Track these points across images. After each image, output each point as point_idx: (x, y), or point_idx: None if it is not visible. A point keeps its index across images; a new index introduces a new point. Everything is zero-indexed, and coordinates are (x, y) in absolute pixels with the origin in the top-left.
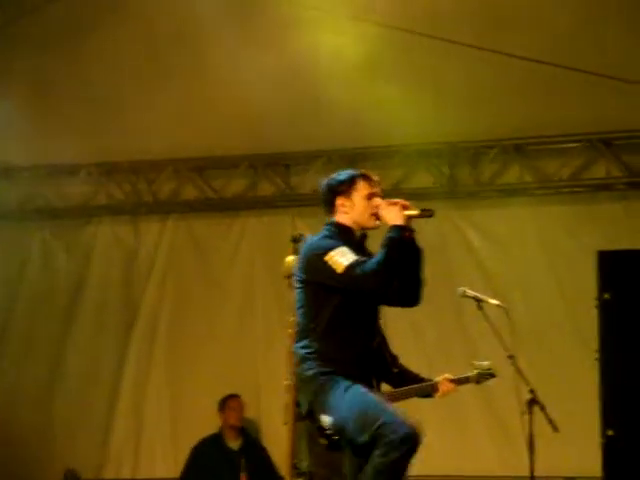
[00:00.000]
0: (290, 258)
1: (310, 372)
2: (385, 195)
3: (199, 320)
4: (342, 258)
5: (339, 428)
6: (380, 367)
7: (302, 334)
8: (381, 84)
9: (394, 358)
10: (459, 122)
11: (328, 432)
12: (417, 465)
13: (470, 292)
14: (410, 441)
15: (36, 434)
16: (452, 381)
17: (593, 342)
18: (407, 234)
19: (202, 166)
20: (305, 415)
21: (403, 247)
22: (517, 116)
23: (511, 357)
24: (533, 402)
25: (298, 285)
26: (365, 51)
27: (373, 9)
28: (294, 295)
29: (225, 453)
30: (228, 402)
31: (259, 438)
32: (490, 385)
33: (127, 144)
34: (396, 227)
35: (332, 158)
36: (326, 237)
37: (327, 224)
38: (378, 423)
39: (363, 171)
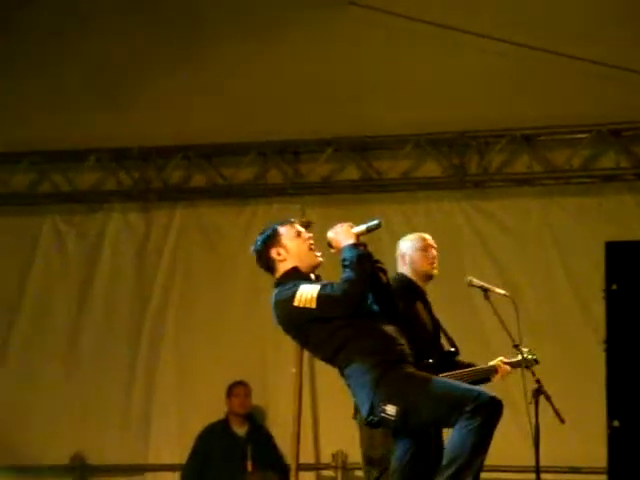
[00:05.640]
0: None
1: (363, 367)
2: (391, 185)
3: (207, 306)
4: (308, 293)
5: (407, 414)
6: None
7: (338, 368)
8: (391, 73)
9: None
10: (469, 112)
11: (392, 420)
12: None
13: (476, 281)
14: (492, 405)
15: (45, 417)
16: (507, 363)
17: (601, 333)
18: (362, 248)
19: (211, 153)
20: (368, 412)
21: (364, 261)
22: (526, 106)
23: (517, 347)
24: (539, 392)
25: (295, 340)
26: (376, 40)
27: None
28: None
29: (231, 439)
30: (233, 389)
31: (266, 425)
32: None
33: (136, 130)
34: (349, 246)
35: (341, 146)
36: (284, 290)
37: (275, 285)
38: (459, 396)
39: (280, 221)
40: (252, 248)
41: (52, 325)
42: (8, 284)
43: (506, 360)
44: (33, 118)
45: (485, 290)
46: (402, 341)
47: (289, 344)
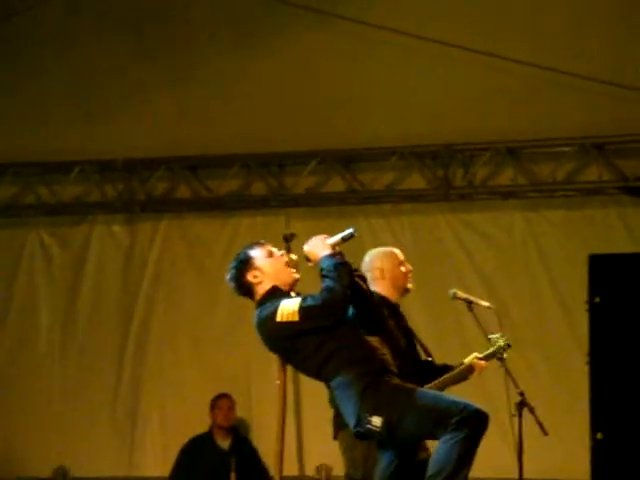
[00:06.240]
0: None
1: (348, 379)
2: (375, 197)
3: (192, 318)
4: (290, 307)
5: (393, 426)
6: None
7: (324, 381)
8: (376, 86)
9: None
10: (453, 124)
11: (378, 432)
12: None
13: (460, 294)
14: (478, 418)
15: (28, 430)
16: (481, 359)
17: (584, 345)
18: (339, 257)
19: (196, 165)
20: (355, 424)
21: (342, 269)
22: (511, 119)
23: (501, 359)
24: (522, 404)
25: (280, 356)
26: (361, 53)
27: (368, 7)
28: None
29: (215, 452)
30: (217, 402)
31: (250, 437)
32: (480, 387)
33: (120, 142)
34: (326, 256)
35: (326, 159)
36: (265, 309)
37: (256, 306)
38: (445, 408)
39: (249, 244)
40: (227, 277)
41: (37, 337)
42: None
43: (480, 355)
44: (17, 130)
45: (469, 302)
46: (385, 351)
47: (273, 356)
